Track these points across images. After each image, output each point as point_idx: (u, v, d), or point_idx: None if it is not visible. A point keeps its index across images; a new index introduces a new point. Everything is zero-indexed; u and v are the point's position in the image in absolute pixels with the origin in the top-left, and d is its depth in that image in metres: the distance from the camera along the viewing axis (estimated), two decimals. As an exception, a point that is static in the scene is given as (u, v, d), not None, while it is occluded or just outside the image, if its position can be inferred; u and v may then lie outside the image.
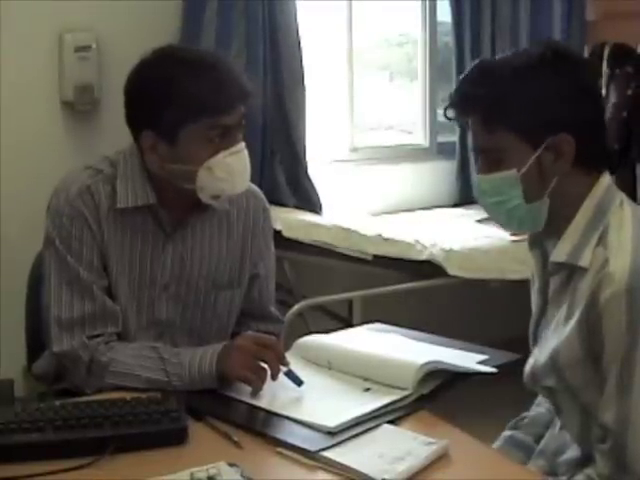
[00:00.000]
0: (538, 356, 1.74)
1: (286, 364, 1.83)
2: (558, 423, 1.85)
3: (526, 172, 1.65)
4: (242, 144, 1.93)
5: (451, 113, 1.71)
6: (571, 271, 1.67)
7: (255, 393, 1.78)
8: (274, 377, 1.81)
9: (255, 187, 2.15)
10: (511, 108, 1.63)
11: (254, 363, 1.81)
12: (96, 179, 1.96)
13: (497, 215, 1.74)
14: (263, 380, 1.80)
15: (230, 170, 1.91)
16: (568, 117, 1.63)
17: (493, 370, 1.86)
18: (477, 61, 1.71)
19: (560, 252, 1.67)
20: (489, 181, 1.69)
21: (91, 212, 1.93)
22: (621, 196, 1.70)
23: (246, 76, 1.95)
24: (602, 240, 1.62)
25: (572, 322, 1.63)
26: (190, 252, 2.02)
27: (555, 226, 1.70)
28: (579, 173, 1.66)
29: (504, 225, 1.77)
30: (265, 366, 1.81)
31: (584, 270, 1.62)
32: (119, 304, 1.96)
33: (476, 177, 1.73)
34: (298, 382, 1.81)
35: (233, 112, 1.89)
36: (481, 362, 1.89)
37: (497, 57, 1.72)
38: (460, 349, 1.98)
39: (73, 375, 1.92)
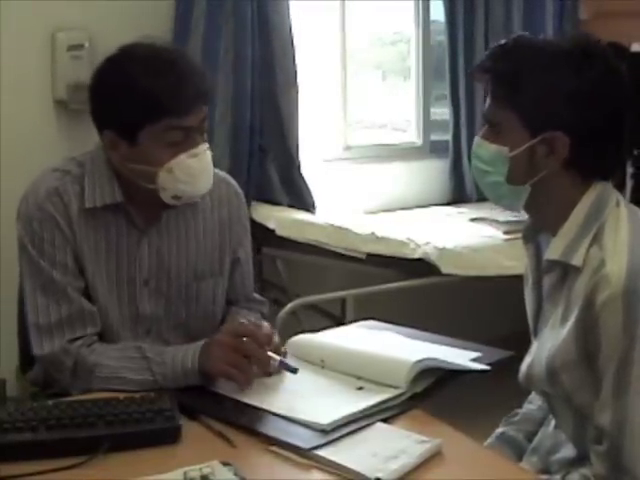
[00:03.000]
0: (535, 356, 1.74)
1: (271, 345, 1.81)
2: (552, 421, 1.85)
3: (516, 155, 1.66)
4: (204, 145, 1.91)
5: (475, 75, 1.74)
6: (565, 269, 1.67)
7: (241, 388, 1.77)
8: (262, 367, 1.80)
9: (225, 174, 2.15)
10: (522, 92, 1.64)
11: (234, 357, 1.79)
12: (64, 180, 1.95)
13: (480, 182, 1.77)
14: (246, 373, 1.78)
15: (191, 172, 1.90)
16: (571, 118, 1.62)
17: (486, 368, 1.86)
18: (516, 34, 1.72)
19: (554, 250, 1.67)
20: (483, 147, 1.71)
21: (61, 214, 1.92)
22: (617, 196, 1.69)
23: (205, 73, 1.94)
24: (597, 240, 1.62)
25: (568, 324, 1.63)
26: (167, 245, 2.01)
27: (550, 223, 1.70)
28: (573, 175, 1.66)
29: (485, 193, 1.79)
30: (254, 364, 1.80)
31: (578, 269, 1.63)
32: (99, 304, 1.95)
33: (476, 138, 1.75)
34: (293, 370, 1.81)
35: (193, 113, 1.88)
36: (474, 359, 1.89)
37: (539, 37, 1.72)
38: (453, 346, 1.98)
39: (58, 380, 1.92)
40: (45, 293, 1.92)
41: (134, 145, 1.88)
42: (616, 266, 1.57)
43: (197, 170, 1.91)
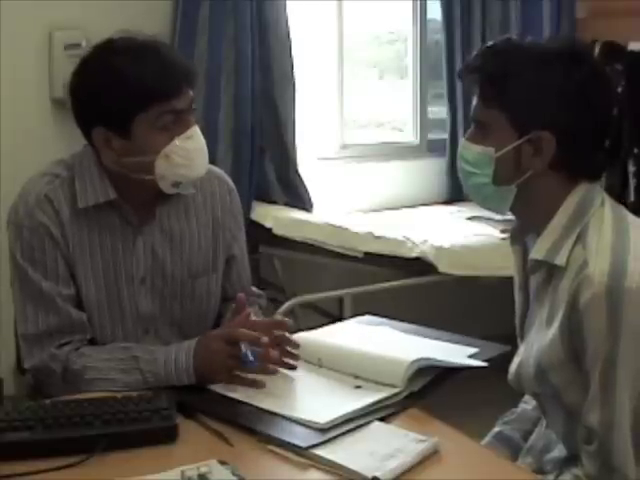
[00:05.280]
0: (523, 357, 1.74)
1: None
2: (545, 421, 1.85)
3: (502, 156, 1.66)
4: (196, 127, 1.92)
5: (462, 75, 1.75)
6: (550, 270, 1.67)
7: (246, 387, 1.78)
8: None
9: (218, 170, 2.15)
10: (510, 92, 1.64)
11: (233, 363, 1.81)
12: (54, 185, 1.94)
13: (466, 184, 1.76)
14: (245, 379, 1.80)
15: (187, 155, 1.90)
16: (559, 119, 1.63)
17: (484, 364, 1.86)
18: (505, 36, 1.73)
19: (538, 250, 1.67)
20: (469, 149, 1.71)
21: (52, 220, 1.92)
22: (603, 195, 1.69)
23: (187, 58, 1.97)
24: (581, 239, 1.62)
25: (554, 325, 1.63)
26: (161, 243, 2.01)
27: (536, 224, 1.70)
28: (558, 176, 1.66)
29: (471, 196, 1.79)
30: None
31: (562, 269, 1.63)
32: (93, 309, 1.95)
33: (462, 140, 1.75)
34: (249, 363, 1.79)
35: (181, 95, 1.88)
36: (472, 355, 1.89)
37: (526, 39, 1.73)
38: (450, 342, 1.98)
39: (49, 387, 1.90)
40: (34, 303, 1.91)
41: (127, 137, 1.88)
42: (599, 267, 1.57)
43: (193, 151, 1.91)
